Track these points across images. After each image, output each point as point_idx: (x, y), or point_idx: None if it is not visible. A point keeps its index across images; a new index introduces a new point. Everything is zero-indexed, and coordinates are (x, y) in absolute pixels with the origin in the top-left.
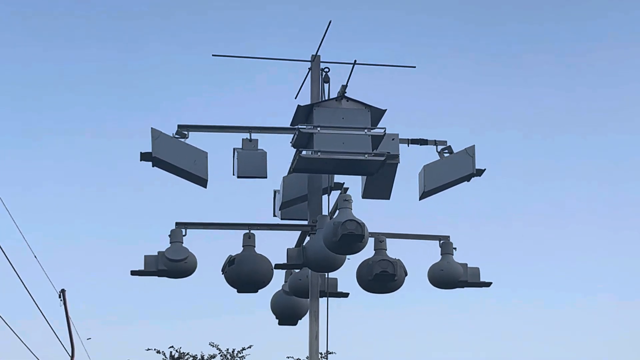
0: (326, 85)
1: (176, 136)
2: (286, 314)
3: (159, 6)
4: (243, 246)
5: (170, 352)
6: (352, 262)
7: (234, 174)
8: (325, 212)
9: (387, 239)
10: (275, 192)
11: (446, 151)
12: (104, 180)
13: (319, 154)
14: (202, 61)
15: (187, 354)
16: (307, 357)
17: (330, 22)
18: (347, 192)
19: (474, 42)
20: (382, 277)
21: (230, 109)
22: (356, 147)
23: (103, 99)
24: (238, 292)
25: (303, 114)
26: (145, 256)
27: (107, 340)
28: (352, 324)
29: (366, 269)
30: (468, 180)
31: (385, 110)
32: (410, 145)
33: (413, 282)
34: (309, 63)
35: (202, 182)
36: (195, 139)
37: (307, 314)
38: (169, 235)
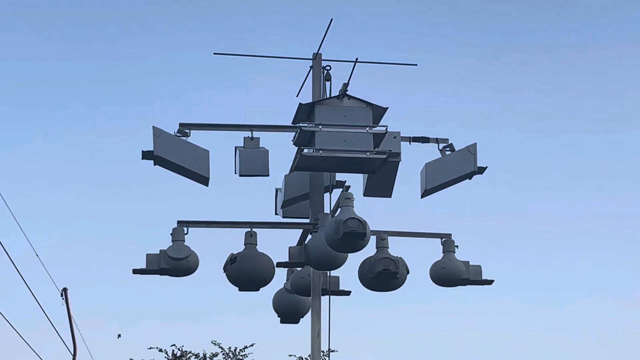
0: (328, 84)
1: (178, 134)
2: (288, 312)
3: (160, 4)
4: (245, 244)
5: (173, 350)
6: (354, 260)
7: (235, 173)
8: (327, 210)
9: (388, 237)
10: (276, 190)
11: (448, 149)
12: (105, 179)
13: (320, 152)
14: (203, 59)
15: (189, 352)
16: (309, 355)
17: (331, 20)
18: (349, 190)
19: (476, 40)
20: (384, 275)
21: (232, 107)
22: (358, 145)
23: (104, 97)
24: (240, 290)
25: (304, 112)
26: (147, 255)
27: (109, 339)
28: (354, 322)
29: (368, 267)
30: (470, 178)
31: (387, 108)
32: (411, 143)
33: (415, 280)
34: (311, 61)
35: (204, 180)
36: (196, 138)
37: (309, 312)
38: (171, 234)
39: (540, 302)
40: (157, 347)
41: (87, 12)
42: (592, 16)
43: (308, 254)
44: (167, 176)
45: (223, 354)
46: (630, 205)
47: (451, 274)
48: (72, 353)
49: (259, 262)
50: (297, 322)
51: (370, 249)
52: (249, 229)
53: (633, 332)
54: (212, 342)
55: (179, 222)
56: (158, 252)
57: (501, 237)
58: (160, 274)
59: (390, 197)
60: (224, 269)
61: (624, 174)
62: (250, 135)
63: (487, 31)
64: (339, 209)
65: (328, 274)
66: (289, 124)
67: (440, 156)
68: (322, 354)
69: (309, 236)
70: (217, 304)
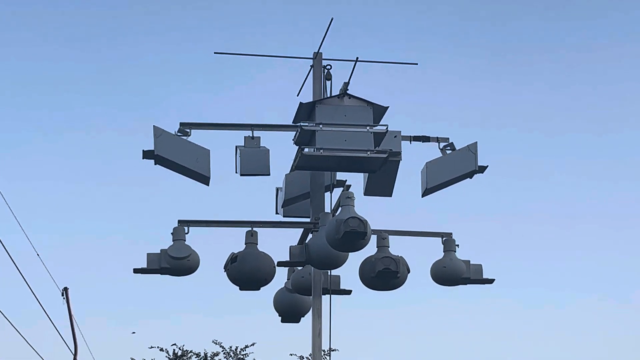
0: (328, 83)
1: (178, 134)
2: (289, 311)
3: (161, 4)
4: (245, 244)
5: (174, 349)
6: (355, 260)
7: (236, 172)
8: (327, 209)
9: (389, 236)
10: (277, 189)
11: (448, 148)
12: (106, 178)
13: (321, 151)
14: (204, 59)
15: (190, 351)
16: (310, 355)
17: (332, 19)
18: (350, 190)
19: (476, 39)
20: (385, 274)
21: (233, 107)
22: (358, 145)
23: (104, 97)
24: (240, 289)
25: (305, 112)
26: (148, 254)
27: (110, 338)
28: (354, 321)
29: (369, 266)
30: (470, 177)
31: (388, 107)
32: (412, 142)
33: (416, 279)
34: (311, 60)
35: (205, 179)
36: (197, 137)
37: (310, 311)
38: (172, 233)
39: (540, 301)
40: (158, 347)
41: (88, 12)
42: (592, 16)
43: (309, 253)
44: (167, 175)
45: (224, 353)
46: (631, 205)
47: (452, 273)
48: (73, 352)
49: (260, 262)
50: (298, 321)
51: (371, 248)
52: (250, 228)
53: (633, 332)
54: (213, 342)
55: (179, 221)
56: (159, 252)
57: (502, 236)
58: (161, 274)
59: (390, 196)
60: (224, 268)
61: (624, 174)
62: (251, 135)
63: (487, 30)
64: (340, 208)
65: (329, 273)
66: (290, 123)
67: (441, 155)
68: (323, 353)
69: (310, 235)
70: (218, 303)
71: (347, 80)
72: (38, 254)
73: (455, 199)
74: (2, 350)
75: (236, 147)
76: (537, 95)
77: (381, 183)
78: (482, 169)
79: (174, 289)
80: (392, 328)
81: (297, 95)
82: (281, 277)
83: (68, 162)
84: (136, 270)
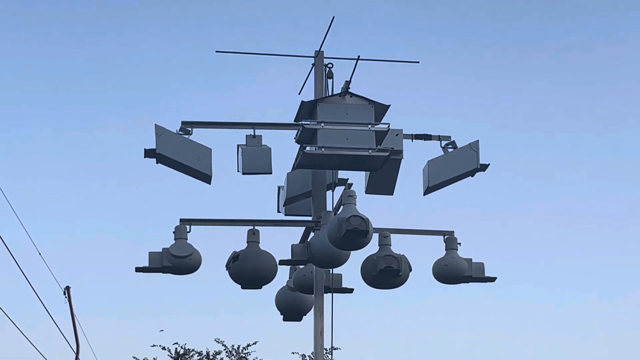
0: (330, 81)
1: (180, 133)
2: (291, 309)
3: (162, 2)
4: (247, 242)
5: (176, 348)
6: (357, 258)
7: (238, 171)
8: (329, 207)
9: (391, 235)
10: (279, 188)
11: (450, 146)
12: (108, 177)
13: (322, 149)
14: (205, 57)
15: (192, 350)
16: (312, 353)
17: (333, 18)
18: (351, 188)
19: (478, 38)
20: (387, 273)
21: (234, 106)
22: (360, 143)
23: (106, 95)
24: (242, 288)
25: (307, 110)
26: (149, 253)
27: (112, 337)
28: (356, 320)
29: (371, 264)
30: (472, 175)
31: (389, 105)
32: (414, 140)
33: (417, 278)
34: (313, 59)
35: (206, 178)
36: (199, 136)
37: (312, 309)
38: (174, 232)
39: (542, 299)
40: (160, 345)
41: (88, 10)
42: (597, 13)
43: (311, 252)
44: (169, 174)
45: (226, 352)
46: (633, 205)
47: (454, 271)
48: (75, 351)
49: (262, 260)
50: (299, 319)
51: (372, 247)
52: (252, 227)
53: (634, 331)
54: (215, 340)
55: (181, 220)
56: (161, 250)
57: (504, 235)
58: (163, 272)
59: (392, 194)
60: (226, 267)
61: (626, 173)
62: (253, 133)
63: (489, 29)
64: (342, 207)
65: (331, 272)
66: (292, 121)
67: (443, 153)
68: (325, 351)
69: (312, 234)
70: (219, 302)
71: (348, 79)
72: (40, 253)
73: (457, 197)
74: (4, 349)
75: (238, 145)
76: (539, 93)
77: (383, 181)
78: (483, 167)
79: (175, 287)
80: (394, 326)
81: (299, 94)
82: (283, 275)
83: (70, 161)
84: (138, 269)
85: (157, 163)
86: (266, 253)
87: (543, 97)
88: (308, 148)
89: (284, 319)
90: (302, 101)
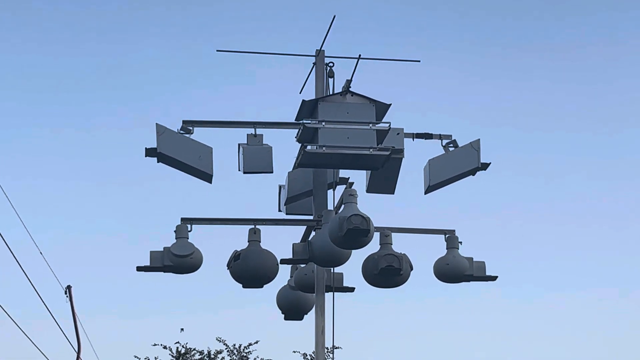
0: (331, 80)
1: (181, 132)
2: (292, 308)
3: (163, 1)
4: (248, 241)
5: (177, 347)
6: (358, 257)
7: (239, 170)
8: (330, 206)
9: (392, 234)
10: (280, 187)
11: (451, 145)
12: (109, 176)
13: (324, 148)
14: (206, 56)
15: (194, 349)
16: (313, 352)
17: (334, 17)
18: (352, 187)
19: (479, 37)
20: (388, 272)
21: (235, 105)
22: (361, 142)
23: (107, 94)
24: (243, 287)
25: (308, 109)
26: (151, 252)
27: (113, 336)
28: (358, 319)
29: (372, 263)
30: (473, 174)
31: (390, 104)
32: (415, 139)
33: (419, 276)
34: (314, 58)
35: (207, 177)
36: (200, 135)
37: (313, 308)
38: (175, 231)
39: (543, 298)
40: (161, 344)
41: (89, 9)
42: (598, 12)
43: (312, 251)
44: (170, 173)
45: (227, 351)
46: (635, 204)
47: (455, 270)
48: (76, 351)
49: (263, 259)
50: (301, 318)
51: (374, 246)
52: (253, 226)
53: (635, 331)
54: (216, 339)
55: (182, 219)
56: (162, 250)
57: (505, 233)
58: (164, 271)
59: (393, 193)
60: (228, 265)
61: (628, 172)
62: (254, 132)
63: (490, 28)
64: (343, 206)
65: (332, 271)
66: (293, 120)
67: (444, 152)
68: (326, 350)
69: (313, 233)
70: (221, 300)
71: (349, 78)
72: (41, 252)
73: (458, 196)
74: (5, 349)
75: (239, 144)
76: (540, 93)
77: (384, 180)
78: (484, 166)
79: (177, 286)
80: (395, 325)
81: (300, 93)
82: (284, 274)
83: (70, 160)
84: (139, 268)
85: (158, 162)
86: (267, 252)
87: (544, 96)
88: (309, 147)
89: (285, 318)
90: (303, 100)
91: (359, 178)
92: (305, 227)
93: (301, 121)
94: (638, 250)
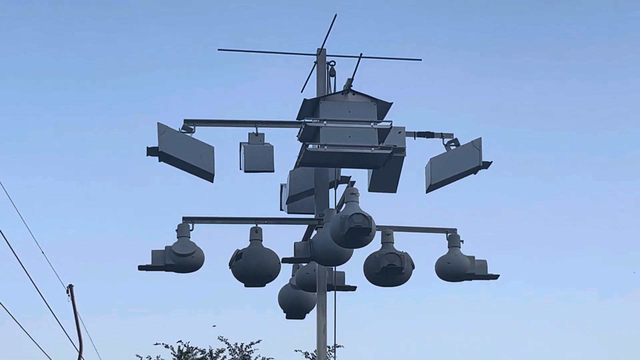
0: (332, 79)
1: (182, 131)
2: (294, 307)
3: (164, 0)
4: (250, 240)
5: (179, 346)
6: (360, 256)
7: (240, 169)
8: (332, 205)
9: (394, 232)
10: (282, 186)
11: (453, 144)
12: (110, 175)
13: (325, 147)
14: (207, 56)
15: (195, 348)
16: (314, 351)
17: (335, 15)
18: (354, 186)
19: (480, 35)
20: (390, 270)
21: (237, 104)
22: (362, 141)
23: (108, 93)
24: (245, 286)
25: (309, 108)
26: (152, 251)
27: (115, 335)
28: (359, 318)
29: (373, 262)
30: (475, 173)
31: (392, 103)
32: (416, 138)
33: (420, 275)
34: (315, 57)
35: (209, 176)
36: (201, 134)
37: (315, 307)
38: (176, 230)
39: (545, 296)
40: (163, 343)
41: (90, 8)
42: (600, 11)
43: (313, 250)
44: (172, 172)
45: (229, 350)
46: (637, 203)
47: (456, 268)
48: (78, 349)
49: (265, 258)
50: (302, 317)
51: (375, 244)
52: (254, 225)
53: (635, 330)
54: (218, 338)
55: (184, 218)
56: (163, 249)
57: (506, 232)
58: (166, 270)
59: (395, 192)
60: (229, 265)
61: (630, 171)
62: (255, 131)
63: (491, 26)
64: (344, 205)
65: (333, 270)
66: (294, 119)
67: (445, 151)
68: (328, 349)
69: (314, 232)
70: (222, 300)
71: (351, 77)
72: (43, 252)
73: (459, 195)
74: (7, 348)
75: (240, 143)
76: (541, 91)
77: (385, 179)
78: (486, 165)
79: (178, 285)
80: (396, 324)
81: (301, 92)
82: (286, 273)
83: (72, 159)
84: (141, 268)
85: (159, 161)
86: (269, 251)
87: (546, 95)
88: (310, 146)
89: (287, 317)
90: (304, 99)
91: (360, 177)
92: (306, 226)
93: (302, 120)
94: (639, 249)
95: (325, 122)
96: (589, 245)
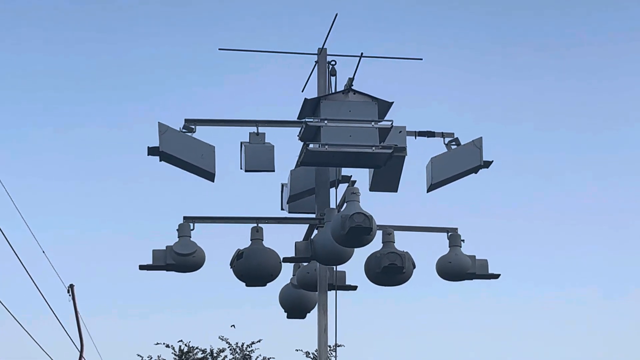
0: (333, 78)
1: (183, 130)
2: (295, 307)
3: (164, 0)
4: (251, 240)
5: (180, 346)
6: (360, 255)
7: (241, 168)
8: (333, 205)
9: (395, 232)
10: (282, 185)
11: (453, 143)
12: (111, 175)
13: (326, 147)
14: (208, 55)
15: (196, 348)
16: (316, 350)
17: (336, 15)
18: (355, 185)
19: (481, 34)
20: (391, 270)
21: (237, 103)
22: (363, 140)
23: (109, 93)
24: (246, 285)
25: (310, 107)
26: (153, 251)
27: (116, 334)
28: (360, 317)
29: (374, 261)
30: (475, 172)
31: (392, 102)
32: (417, 137)
33: (421, 275)
34: (316, 56)
35: (210, 176)
36: (202, 133)
37: (316, 307)
38: (177, 230)
39: (546, 296)
40: (163, 343)
41: (91, 7)
42: (601, 10)
43: (314, 249)
44: (173, 172)
45: (230, 349)
46: (637, 202)
47: (457, 268)
48: (79, 349)
49: (266, 258)
50: (303, 317)
51: (376, 244)
52: (255, 225)
53: (636, 330)
54: (219, 338)
55: (185, 217)
56: (164, 248)
57: (507, 231)
58: (167, 270)
59: (396, 191)
60: (230, 264)
61: (630, 170)
62: (256, 131)
63: (492, 26)
64: (345, 204)
65: (334, 269)
66: (295, 119)
67: (446, 150)
68: (329, 348)
69: (315, 231)
70: (223, 299)
71: (351, 76)
72: (44, 251)
73: (460, 194)
74: (8, 348)
75: (241, 143)
76: (542, 91)
77: (386, 178)
78: (487, 164)
79: (179, 285)
80: (397, 323)
81: (302, 91)
82: (287, 273)
83: (72, 159)
84: (142, 267)
85: (160, 161)
86: (270, 250)
87: (547, 95)
88: (311, 145)
89: (288, 317)
90: (305, 99)
91: (361, 176)
92: (307, 225)
93: (303, 119)
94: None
95: (326, 122)
96: (589, 244)
